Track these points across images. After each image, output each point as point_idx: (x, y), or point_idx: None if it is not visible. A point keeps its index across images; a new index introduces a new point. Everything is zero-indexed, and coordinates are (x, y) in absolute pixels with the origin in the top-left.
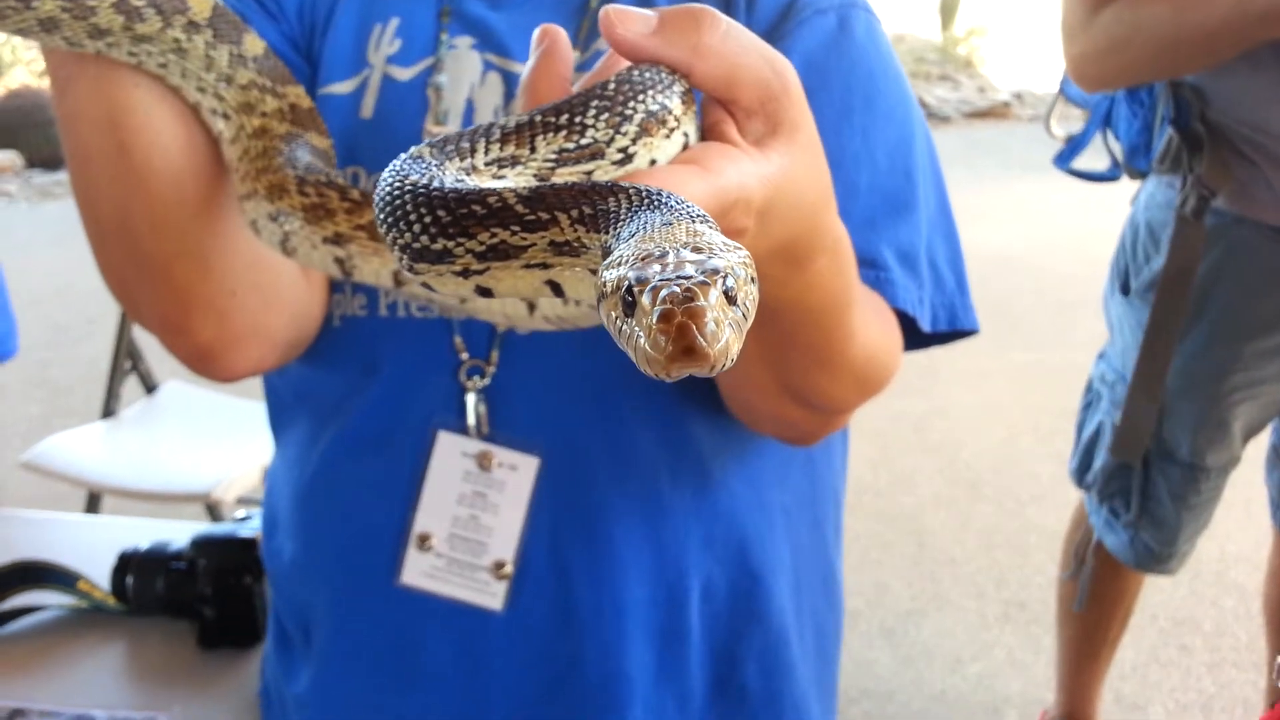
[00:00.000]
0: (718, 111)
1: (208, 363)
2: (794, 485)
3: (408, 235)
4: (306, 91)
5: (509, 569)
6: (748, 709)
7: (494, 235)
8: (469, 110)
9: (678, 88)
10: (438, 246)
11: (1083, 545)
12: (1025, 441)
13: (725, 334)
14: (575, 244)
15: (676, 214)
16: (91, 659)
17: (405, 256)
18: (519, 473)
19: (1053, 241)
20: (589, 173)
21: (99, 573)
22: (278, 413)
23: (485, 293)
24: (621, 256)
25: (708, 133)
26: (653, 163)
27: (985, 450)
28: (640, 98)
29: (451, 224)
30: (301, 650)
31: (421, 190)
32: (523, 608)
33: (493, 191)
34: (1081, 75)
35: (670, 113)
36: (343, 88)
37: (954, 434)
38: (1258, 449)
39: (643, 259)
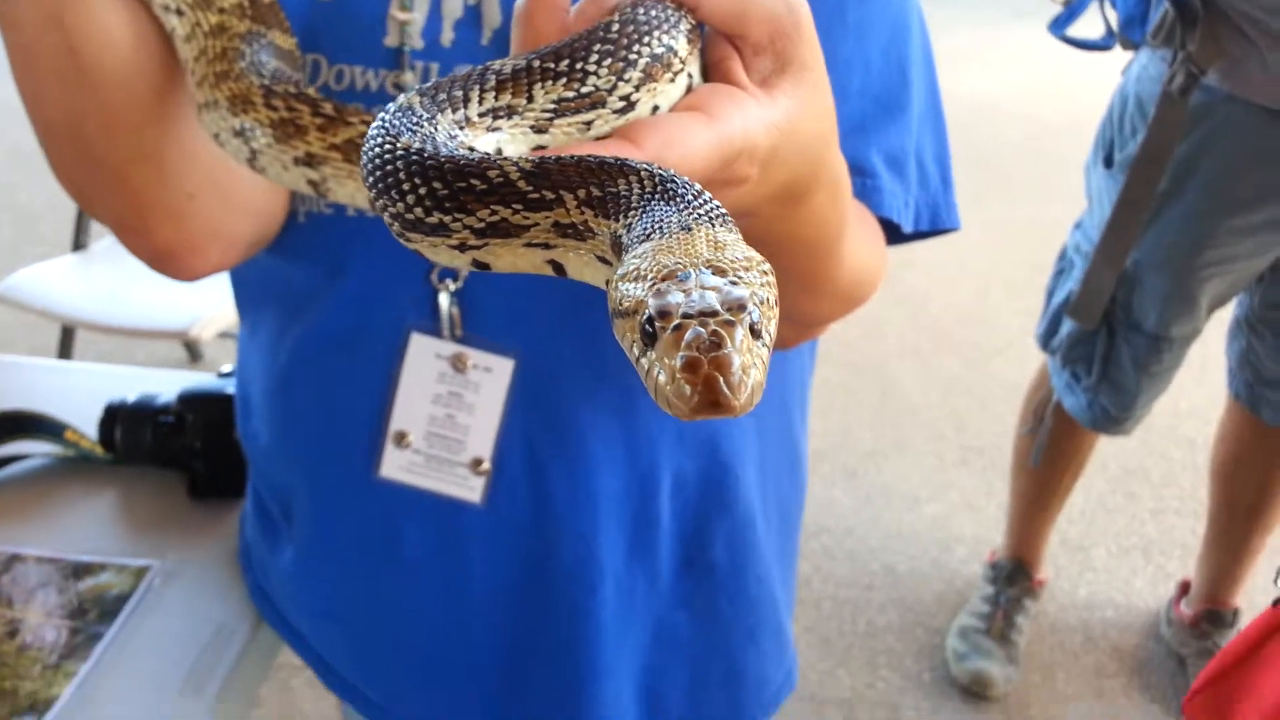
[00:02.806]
0: (724, 47)
1: (167, 264)
2: None
3: (400, 205)
4: None
5: (486, 466)
6: (714, 582)
7: (494, 213)
8: None
9: (684, 25)
10: (433, 220)
11: (1042, 405)
12: (995, 295)
13: (751, 380)
14: (581, 227)
15: (695, 214)
16: (82, 507)
17: (396, 224)
18: (494, 374)
19: (1041, 91)
20: (589, 122)
21: (78, 419)
22: (243, 294)
23: (482, 266)
24: (638, 270)
25: (711, 70)
26: (655, 109)
27: (954, 304)
28: (645, 40)
29: (448, 198)
30: (283, 527)
31: (415, 157)
32: (500, 502)
33: (493, 164)
34: None
35: (675, 54)
36: None
37: (923, 286)
38: (1220, 310)
39: (662, 277)
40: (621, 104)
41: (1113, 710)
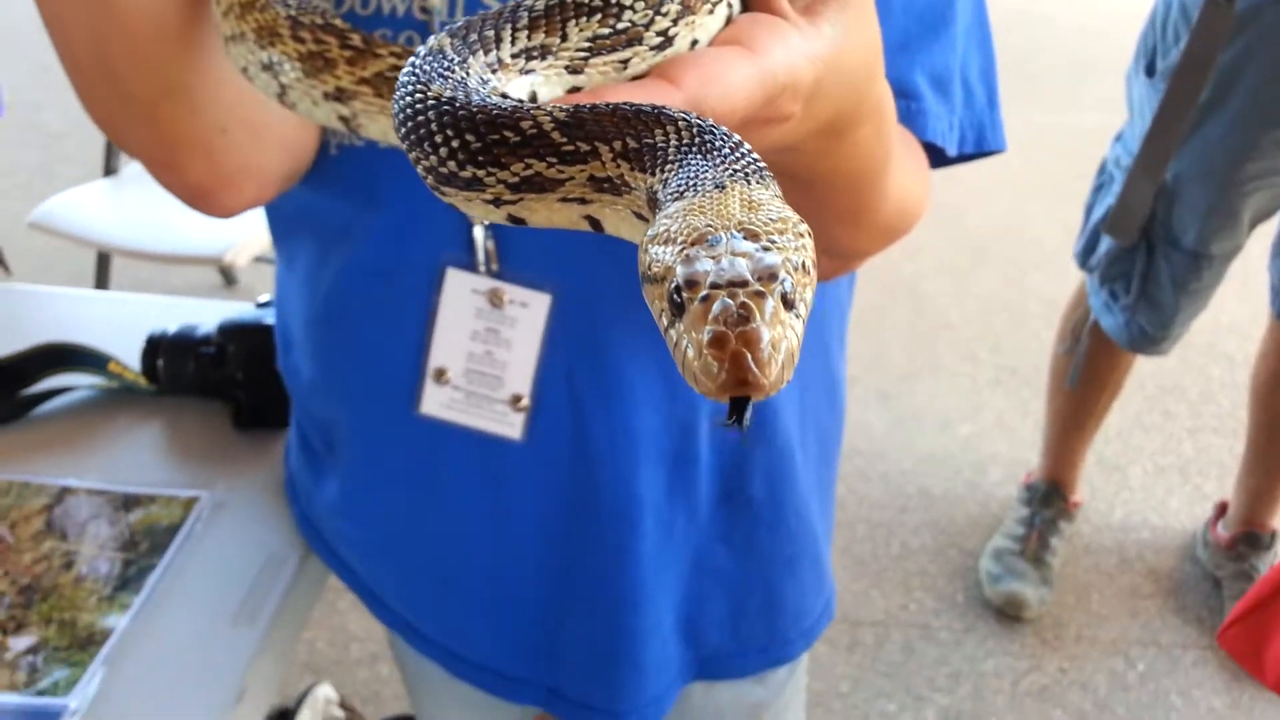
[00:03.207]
0: None
1: (201, 201)
2: None
3: (433, 158)
4: None
5: (526, 402)
6: (752, 515)
7: (528, 166)
8: None
9: None
10: (466, 174)
11: (1080, 324)
12: (1033, 207)
13: (782, 354)
14: (618, 181)
15: (730, 170)
16: (129, 438)
17: (430, 177)
18: (531, 309)
19: None
20: (625, 61)
21: (119, 349)
22: (279, 227)
23: (518, 222)
24: (668, 231)
25: None
26: (694, 44)
27: (991, 218)
28: None
29: (481, 151)
30: (327, 460)
31: (446, 108)
32: (541, 438)
33: (526, 114)
34: None
35: None
36: None
37: (960, 201)
38: (1263, 224)
39: (692, 241)
40: (659, 40)
41: (1147, 632)
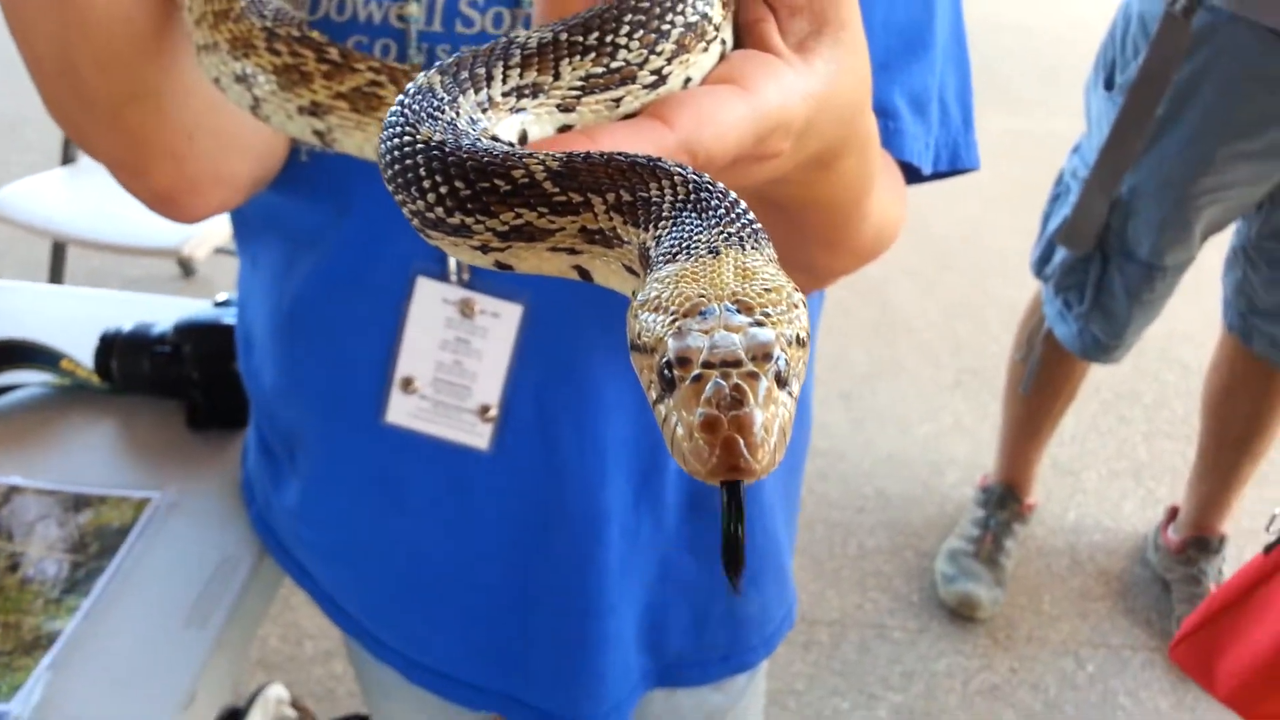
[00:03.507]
0: (759, 8)
1: (167, 206)
2: None
3: (420, 203)
4: None
5: (494, 413)
6: (718, 526)
7: (518, 215)
8: None
9: None
10: (454, 221)
11: (1035, 332)
12: (998, 214)
13: (774, 436)
14: (609, 234)
15: (724, 233)
16: (80, 437)
17: (416, 220)
18: (502, 320)
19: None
20: (618, 99)
21: (72, 345)
22: (243, 229)
23: (505, 268)
24: (659, 299)
25: (744, 34)
26: (687, 81)
27: (957, 223)
28: (679, 8)
29: (471, 199)
30: (287, 465)
31: (436, 152)
32: (508, 449)
33: (518, 161)
34: None
35: (709, 21)
36: None
37: (927, 206)
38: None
39: (684, 312)
40: (653, 78)
41: (1097, 633)
